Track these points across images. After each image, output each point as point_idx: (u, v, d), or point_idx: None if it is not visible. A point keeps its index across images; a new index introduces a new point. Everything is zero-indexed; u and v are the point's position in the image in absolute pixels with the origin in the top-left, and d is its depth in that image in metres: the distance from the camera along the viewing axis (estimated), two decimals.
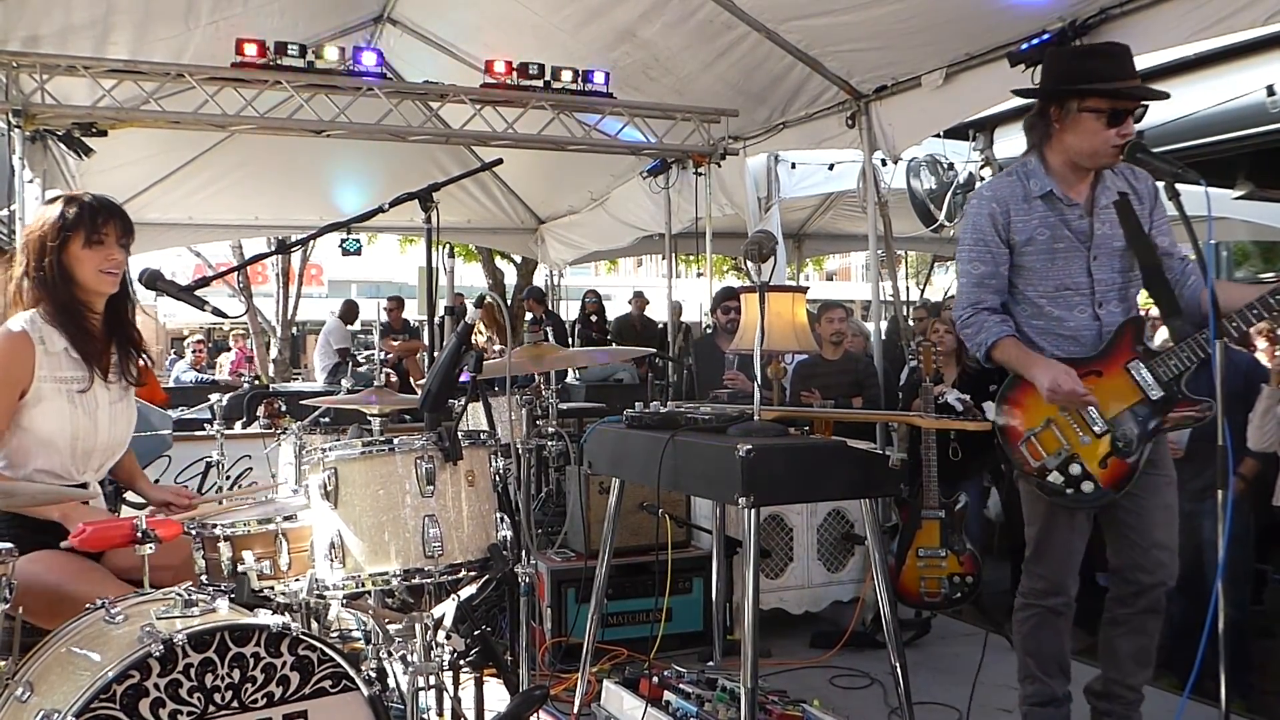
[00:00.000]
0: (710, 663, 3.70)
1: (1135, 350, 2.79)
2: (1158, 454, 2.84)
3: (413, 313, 11.95)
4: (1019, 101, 4.92)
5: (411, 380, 9.99)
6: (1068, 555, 2.90)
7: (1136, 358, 2.78)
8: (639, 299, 11.36)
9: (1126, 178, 2.91)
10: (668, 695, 3.22)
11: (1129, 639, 2.87)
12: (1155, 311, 3.45)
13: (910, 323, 6.76)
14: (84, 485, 2.66)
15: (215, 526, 2.56)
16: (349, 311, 11.46)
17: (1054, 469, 2.80)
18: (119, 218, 2.64)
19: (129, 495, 3.06)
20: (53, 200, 2.69)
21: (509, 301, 12.68)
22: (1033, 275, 2.88)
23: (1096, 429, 2.78)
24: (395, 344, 10.62)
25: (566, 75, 5.57)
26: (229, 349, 14.73)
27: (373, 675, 2.21)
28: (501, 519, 2.49)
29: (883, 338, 5.87)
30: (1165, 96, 2.87)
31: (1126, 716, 2.92)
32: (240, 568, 2.50)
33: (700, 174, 6.31)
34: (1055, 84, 2.89)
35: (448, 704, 2.62)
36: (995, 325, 2.86)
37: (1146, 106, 2.81)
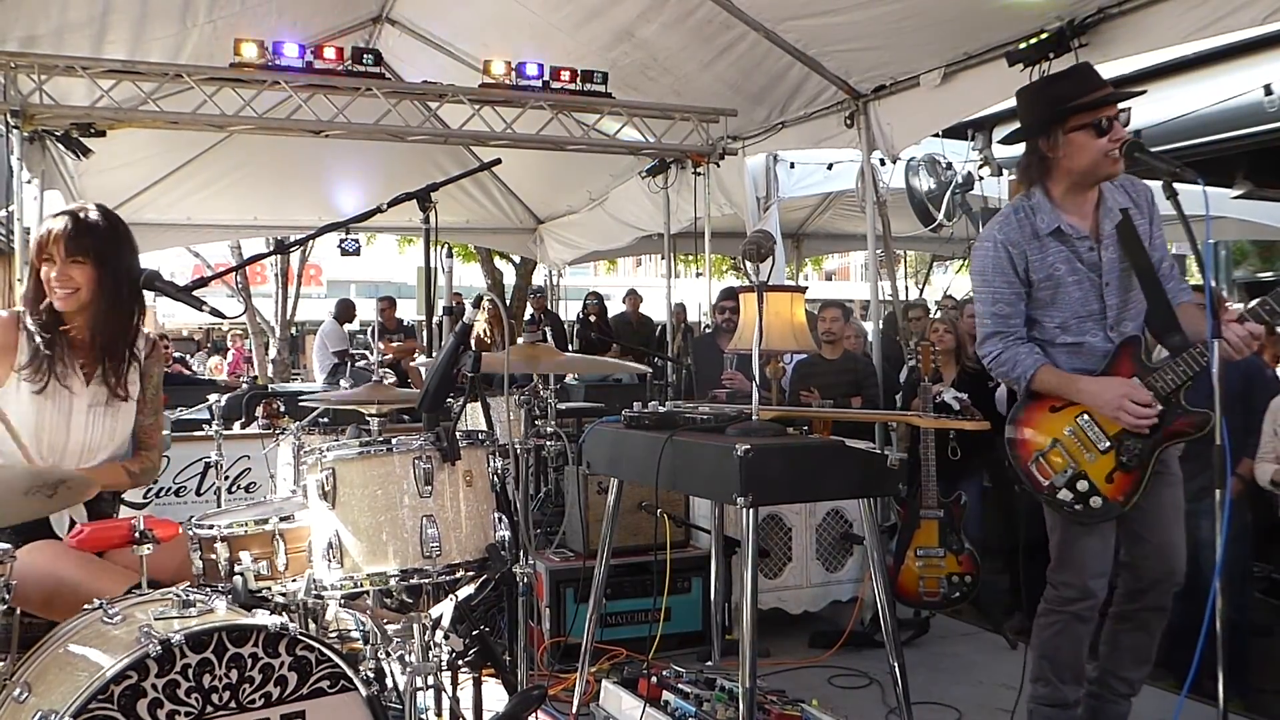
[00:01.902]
0: (709, 662, 3.70)
1: (1134, 367, 2.81)
2: (1166, 454, 2.86)
3: (411, 313, 11.93)
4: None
5: (410, 381, 9.99)
6: (1092, 560, 2.89)
7: (1135, 374, 2.80)
8: (633, 297, 11.36)
9: (1126, 190, 2.93)
10: (666, 695, 3.22)
11: (1131, 634, 2.91)
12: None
13: (908, 322, 6.74)
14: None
15: (212, 527, 2.56)
16: (345, 311, 11.41)
17: (1062, 486, 2.83)
18: (67, 236, 2.60)
19: (127, 496, 3.06)
20: None
21: (508, 302, 12.70)
22: (1050, 307, 2.90)
23: (1101, 446, 2.81)
24: (393, 345, 10.61)
25: (565, 75, 5.58)
26: (226, 349, 14.74)
27: (371, 675, 2.21)
28: (500, 519, 2.49)
29: (881, 337, 5.88)
30: (1140, 93, 2.90)
31: (1114, 703, 2.94)
32: (237, 568, 2.50)
33: (699, 174, 6.32)
34: (1036, 119, 2.90)
35: (446, 704, 2.62)
36: (1029, 356, 2.87)
37: (1129, 109, 2.82)
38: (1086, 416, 2.83)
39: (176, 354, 12.14)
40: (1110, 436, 2.80)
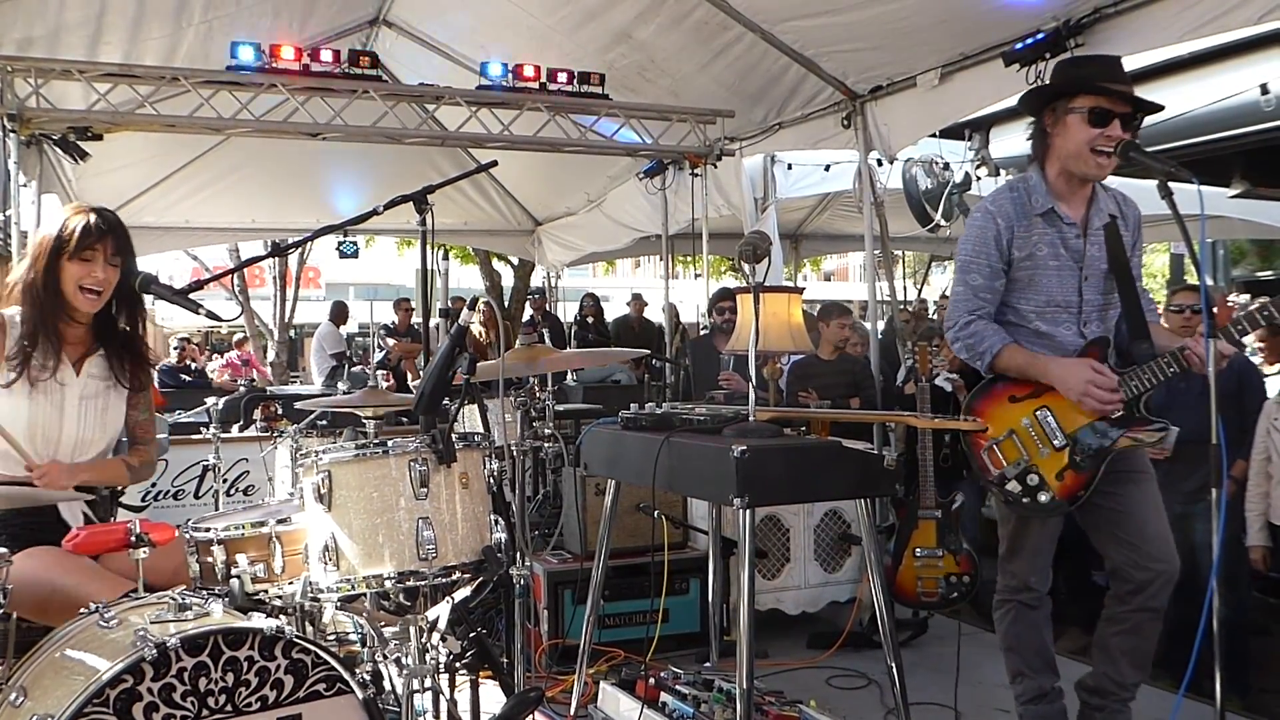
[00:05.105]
0: (707, 664, 3.70)
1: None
2: (1128, 453, 2.84)
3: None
4: (1014, 101, 4.94)
5: (410, 381, 10.01)
6: (1035, 554, 2.99)
7: None
8: (637, 301, 11.39)
9: (1118, 202, 2.96)
10: (664, 696, 3.22)
11: (1124, 638, 2.88)
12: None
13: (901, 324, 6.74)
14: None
15: (209, 530, 2.56)
16: (339, 313, 11.42)
17: (1012, 478, 2.85)
18: (114, 236, 2.67)
19: (125, 499, 3.06)
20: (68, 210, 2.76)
21: (506, 304, 12.70)
22: (1026, 289, 2.91)
23: (1056, 442, 2.82)
24: (394, 344, 10.62)
25: (562, 77, 5.57)
26: (224, 352, 14.69)
27: (368, 678, 2.21)
28: (496, 521, 2.49)
29: (882, 339, 5.88)
30: (1158, 107, 2.89)
31: (1116, 712, 2.92)
32: (234, 571, 2.50)
33: (696, 175, 6.31)
34: (1046, 91, 2.94)
35: (444, 706, 2.62)
36: (995, 334, 2.87)
37: (1141, 118, 2.82)
38: (1046, 411, 2.83)
39: (191, 363, 12.05)
40: (1067, 434, 2.80)
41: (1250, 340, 5.57)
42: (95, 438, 2.75)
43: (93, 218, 2.66)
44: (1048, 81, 3.19)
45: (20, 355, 2.62)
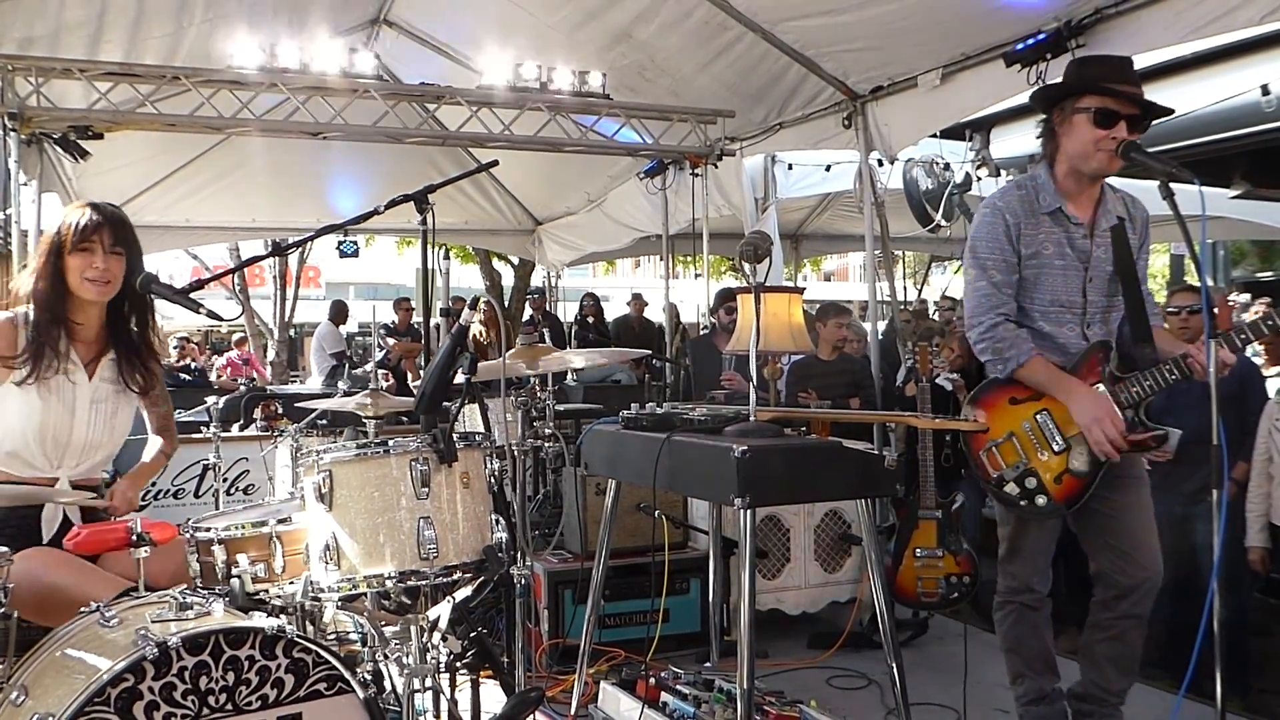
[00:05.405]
0: (707, 664, 3.70)
1: (1101, 373, 2.80)
2: (1124, 458, 2.82)
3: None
4: (1015, 102, 4.95)
5: (410, 381, 10.00)
6: (1036, 555, 2.98)
7: (1101, 380, 2.79)
8: (637, 301, 11.40)
9: (1127, 205, 2.96)
10: (665, 696, 3.22)
11: (1108, 644, 2.88)
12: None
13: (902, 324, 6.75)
14: (54, 481, 2.67)
15: (210, 530, 2.56)
16: (339, 312, 11.42)
17: (1011, 480, 2.84)
18: (111, 226, 2.67)
19: None
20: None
21: (507, 303, 12.70)
22: (1032, 289, 2.89)
23: (1055, 446, 2.81)
24: (394, 344, 10.62)
25: (563, 77, 5.58)
26: (223, 352, 14.68)
27: (368, 677, 2.21)
28: (497, 521, 2.49)
29: (879, 338, 5.88)
30: (1168, 111, 2.88)
31: (1107, 718, 2.92)
32: (235, 571, 2.50)
33: (697, 175, 6.31)
34: (1056, 89, 2.93)
35: (444, 706, 2.62)
36: (1024, 342, 2.82)
37: (1148, 120, 2.81)
38: (1046, 414, 2.82)
39: (192, 363, 12.03)
40: (1066, 438, 2.79)
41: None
42: (103, 441, 2.75)
43: (89, 211, 2.66)
44: (1051, 81, 3.18)
45: (31, 353, 2.61)
